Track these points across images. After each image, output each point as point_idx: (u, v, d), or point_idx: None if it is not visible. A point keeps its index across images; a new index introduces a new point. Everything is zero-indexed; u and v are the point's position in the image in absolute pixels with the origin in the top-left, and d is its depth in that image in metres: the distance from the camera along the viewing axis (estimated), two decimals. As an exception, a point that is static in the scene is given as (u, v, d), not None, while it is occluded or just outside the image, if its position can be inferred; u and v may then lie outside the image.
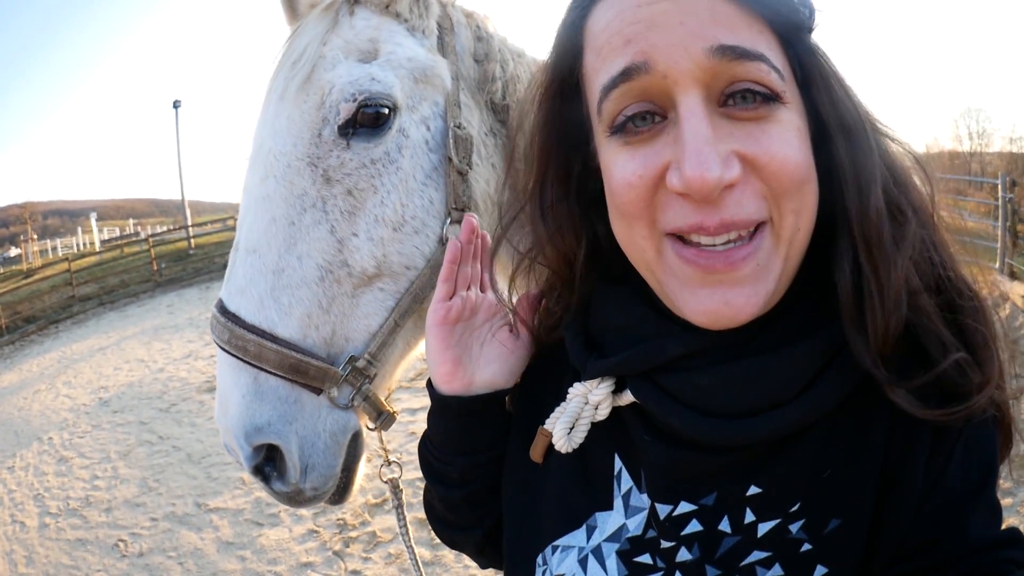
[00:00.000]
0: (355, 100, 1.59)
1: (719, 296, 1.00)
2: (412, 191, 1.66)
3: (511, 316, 1.42)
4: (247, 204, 1.66)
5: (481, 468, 1.41)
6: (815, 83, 1.03)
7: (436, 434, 1.44)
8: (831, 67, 1.05)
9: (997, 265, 14.43)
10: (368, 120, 1.60)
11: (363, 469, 1.80)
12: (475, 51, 1.91)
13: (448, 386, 1.39)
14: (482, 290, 1.49)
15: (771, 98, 0.96)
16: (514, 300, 1.47)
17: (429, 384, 1.44)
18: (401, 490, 1.88)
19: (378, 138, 1.62)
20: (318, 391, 1.59)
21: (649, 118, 1.00)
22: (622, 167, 1.03)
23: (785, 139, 0.97)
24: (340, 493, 1.76)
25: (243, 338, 1.54)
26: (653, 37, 0.96)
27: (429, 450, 1.46)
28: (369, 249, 1.61)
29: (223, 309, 1.60)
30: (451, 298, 1.44)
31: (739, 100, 0.96)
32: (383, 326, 1.65)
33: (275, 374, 1.55)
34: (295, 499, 1.68)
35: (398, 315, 1.66)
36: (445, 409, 1.40)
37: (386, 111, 1.62)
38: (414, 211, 1.66)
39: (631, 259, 1.13)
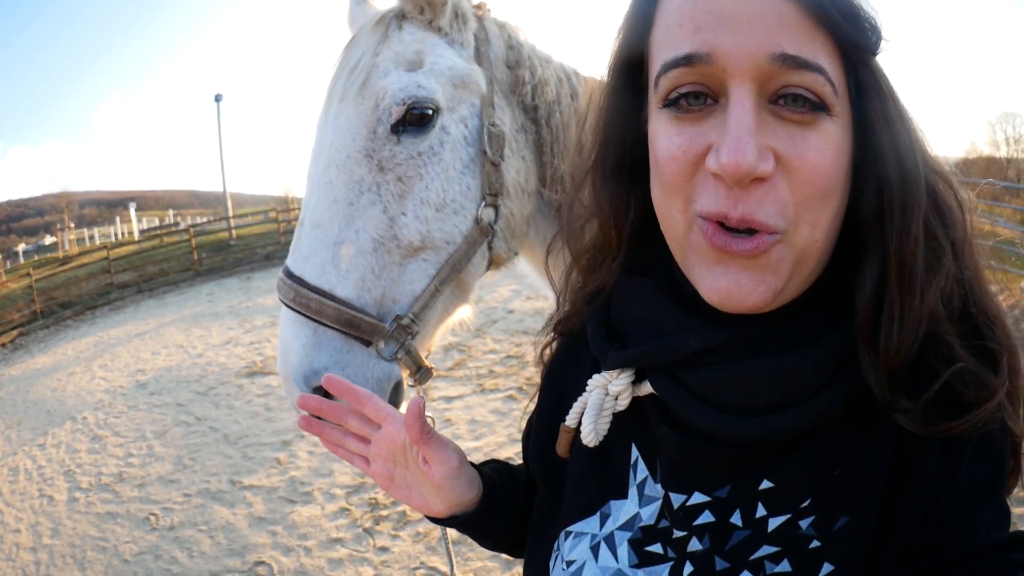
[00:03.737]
0: (404, 104, 1.87)
1: (731, 276, 1.02)
2: (452, 179, 1.95)
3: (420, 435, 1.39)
4: (311, 188, 1.95)
5: (511, 536, 1.52)
6: (872, 103, 1.03)
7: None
8: (891, 91, 1.05)
9: (1029, 272, 14.11)
10: (415, 120, 1.89)
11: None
12: (507, 58, 2.17)
13: (431, 513, 1.48)
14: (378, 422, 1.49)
15: (820, 107, 0.98)
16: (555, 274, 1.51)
17: None
18: None
19: (424, 134, 1.91)
20: (368, 343, 1.85)
21: (702, 98, 1.02)
22: (669, 140, 1.05)
23: (822, 149, 0.98)
24: None
25: (307, 297, 1.81)
26: (721, 32, 0.97)
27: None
28: (415, 226, 1.89)
29: (289, 273, 1.88)
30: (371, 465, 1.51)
31: (789, 102, 0.98)
32: (425, 290, 1.92)
33: (332, 327, 1.81)
34: None
35: (438, 282, 1.93)
36: (449, 524, 1.49)
37: (430, 112, 1.91)
38: (454, 195, 1.95)
39: (663, 227, 1.14)
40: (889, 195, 1.03)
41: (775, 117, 0.99)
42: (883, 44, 1.03)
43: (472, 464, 1.49)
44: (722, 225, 1.01)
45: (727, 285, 1.03)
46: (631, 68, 1.19)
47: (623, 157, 1.26)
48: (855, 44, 1.00)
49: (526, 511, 1.47)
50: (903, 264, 1.02)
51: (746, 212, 0.98)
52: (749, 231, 1.00)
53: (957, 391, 1.02)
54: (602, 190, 1.30)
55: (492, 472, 1.54)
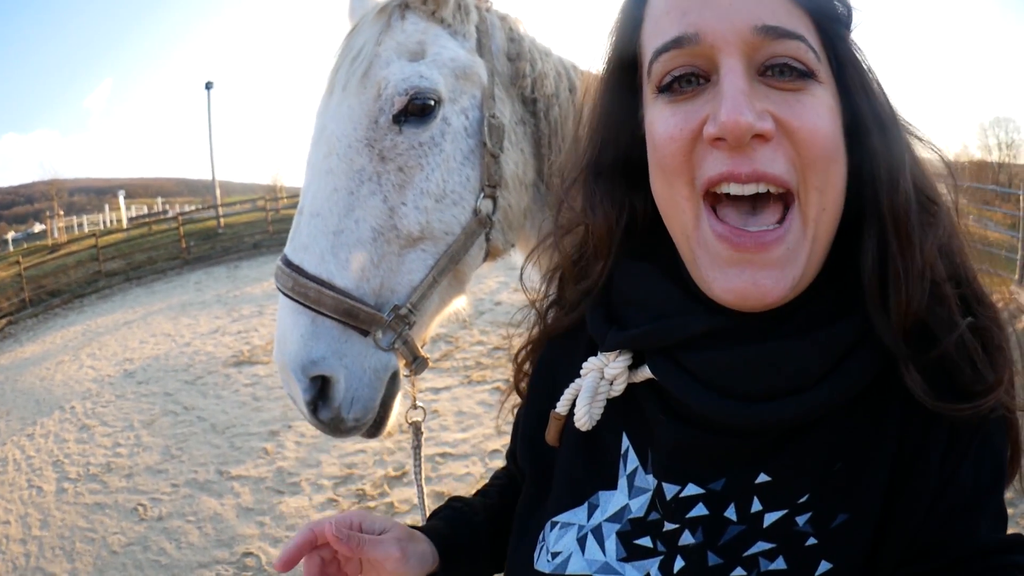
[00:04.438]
0: (407, 94, 1.88)
1: (747, 276, 1.02)
2: (452, 169, 1.95)
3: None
4: (311, 176, 1.95)
5: (489, 568, 1.53)
6: (850, 74, 1.08)
7: None
8: (866, 62, 1.10)
9: (1017, 277, 14.24)
10: (417, 110, 1.89)
11: (398, 407, 2.06)
12: (508, 51, 2.18)
13: None
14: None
15: (807, 74, 1.02)
16: (531, 276, 1.54)
17: None
18: (422, 432, 2.14)
19: (425, 125, 1.91)
20: (366, 333, 1.86)
21: (694, 80, 1.06)
22: (665, 122, 1.08)
23: (817, 111, 1.02)
24: (376, 426, 2.01)
25: (305, 286, 1.81)
26: (706, 12, 1.03)
27: None
28: (415, 216, 1.90)
29: (288, 262, 1.88)
30: None
31: (776, 73, 1.02)
32: (423, 281, 1.93)
33: (330, 316, 1.82)
34: (337, 427, 1.92)
35: (436, 272, 1.94)
36: None
37: (432, 103, 1.91)
38: (453, 186, 1.96)
39: (669, 225, 1.15)
40: (874, 158, 1.07)
41: (767, 87, 1.03)
42: (856, 19, 1.10)
43: (420, 528, 1.47)
44: (727, 221, 1.04)
45: (743, 286, 1.03)
46: (624, 69, 1.24)
47: (618, 158, 1.28)
48: (830, 18, 1.07)
49: (493, 546, 1.49)
50: (898, 221, 1.04)
51: (757, 167, 1.01)
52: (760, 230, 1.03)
53: (965, 377, 1.02)
54: (594, 193, 1.31)
55: (443, 525, 1.51)
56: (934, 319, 1.04)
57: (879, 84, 1.11)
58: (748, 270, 1.03)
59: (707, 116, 1.03)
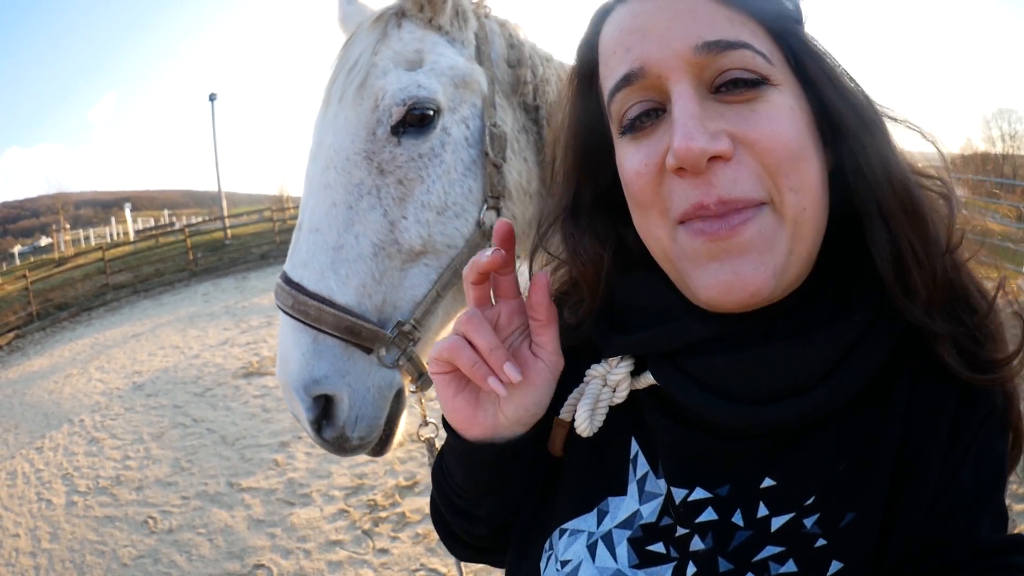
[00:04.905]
0: (405, 104, 1.84)
1: (727, 267, 1.00)
2: (454, 181, 1.91)
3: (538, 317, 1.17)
4: (309, 191, 1.91)
5: (510, 504, 1.30)
6: (810, 67, 1.06)
7: (458, 474, 1.29)
8: (826, 53, 1.08)
9: (1024, 270, 14.18)
10: (416, 121, 1.85)
11: (403, 424, 2.02)
12: (508, 57, 2.14)
13: (469, 433, 1.20)
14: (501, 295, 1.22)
15: (759, 82, 1.01)
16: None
17: (444, 422, 1.26)
18: (436, 449, 2.10)
19: (424, 136, 1.87)
20: (369, 351, 1.83)
21: (652, 114, 1.06)
22: (630, 159, 1.08)
23: (774, 116, 1.00)
24: (382, 444, 1.98)
25: (305, 304, 1.78)
26: (646, 44, 1.04)
27: (448, 483, 1.34)
28: (416, 230, 1.85)
29: (287, 279, 1.84)
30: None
31: (730, 87, 1.01)
32: (427, 296, 1.89)
33: (332, 334, 1.78)
34: (342, 446, 1.89)
35: (440, 287, 1.90)
36: (467, 456, 1.23)
37: (431, 113, 1.87)
38: (455, 198, 1.91)
39: (652, 252, 1.14)
40: (857, 147, 1.05)
41: (721, 103, 1.02)
42: (805, 10, 1.10)
43: None
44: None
45: (725, 278, 1.01)
46: (592, 112, 1.23)
47: (598, 204, 1.28)
48: (776, 16, 1.06)
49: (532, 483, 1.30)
50: (903, 203, 1.03)
51: (722, 193, 0.99)
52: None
53: (987, 355, 1.04)
54: (573, 236, 1.29)
55: None
56: (967, 287, 1.07)
57: (845, 71, 1.10)
58: (727, 261, 1.01)
59: (668, 147, 1.02)
